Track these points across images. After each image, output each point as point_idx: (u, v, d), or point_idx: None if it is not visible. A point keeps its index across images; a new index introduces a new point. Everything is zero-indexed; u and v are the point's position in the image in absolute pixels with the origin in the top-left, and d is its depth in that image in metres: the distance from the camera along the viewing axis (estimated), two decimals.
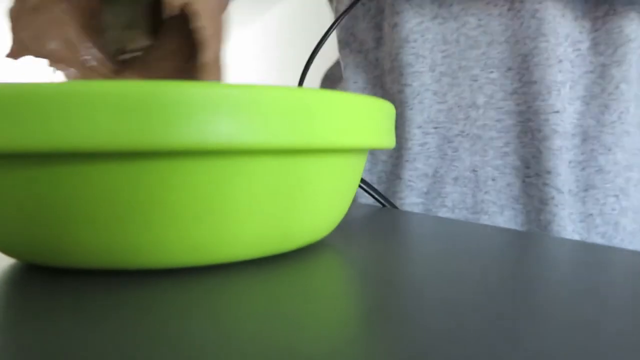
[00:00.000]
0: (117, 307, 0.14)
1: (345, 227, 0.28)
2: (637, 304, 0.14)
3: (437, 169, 0.48)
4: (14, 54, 0.27)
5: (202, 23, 0.22)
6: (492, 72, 0.46)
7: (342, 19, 0.43)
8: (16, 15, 0.26)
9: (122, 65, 0.28)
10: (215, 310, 0.14)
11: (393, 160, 0.50)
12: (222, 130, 0.16)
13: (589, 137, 0.45)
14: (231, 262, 0.20)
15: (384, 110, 0.21)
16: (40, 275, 0.18)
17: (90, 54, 0.27)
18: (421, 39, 0.48)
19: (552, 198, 0.44)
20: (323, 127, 0.18)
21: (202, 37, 0.23)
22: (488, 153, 0.46)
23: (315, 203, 0.20)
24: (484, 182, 0.46)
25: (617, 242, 0.46)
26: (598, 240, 0.45)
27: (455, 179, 0.47)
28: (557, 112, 0.44)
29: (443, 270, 0.18)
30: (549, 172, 0.45)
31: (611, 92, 0.45)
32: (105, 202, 0.17)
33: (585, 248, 0.22)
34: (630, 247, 0.45)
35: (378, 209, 0.36)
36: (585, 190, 0.45)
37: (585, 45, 0.45)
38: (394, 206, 0.38)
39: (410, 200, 0.48)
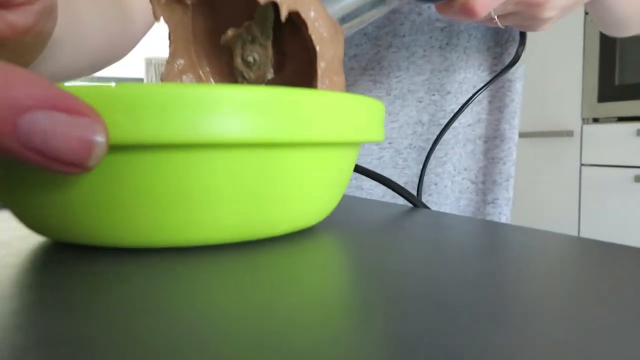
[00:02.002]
0: (122, 279, 0.15)
1: (340, 220, 0.28)
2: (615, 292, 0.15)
3: (390, 176, 0.57)
4: None
5: (313, 32, 0.26)
6: (434, 95, 0.55)
7: (493, 82, 0.50)
8: (166, 78, 0.30)
9: None
10: (206, 286, 0.14)
11: (355, 174, 0.58)
12: (217, 127, 0.18)
13: (506, 138, 0.56)
14: (218, 243, 0.22)
15: (368, 107, 0.23)
16: (63, 249, 0.21)
17: None
18: (378, 66, 0.55)
19: (467, 188, 0.58)
20: (300, 123, 0.20)
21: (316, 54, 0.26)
22: (431, 162, 0.56)
23: (295, 193, 0.22)
24: (427, 187, 0.57)
25: (530, 218, 0.66)
26: (522, 220, 0.62)
27: (405, 183, 0.57)
28: (478, 121, 0.57)
29: (434, 263, 0.18)
30: (465, 169, 0.58)
31: (517, 102, 0.57)
32: (116, 189, 0.19)
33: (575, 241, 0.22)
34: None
35: (381, 205, 0.36)
36: (507, 180, 0.58)
37: (498, 67, 0.57)
38: (422, 204, 0.38)
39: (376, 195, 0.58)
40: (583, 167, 2.06)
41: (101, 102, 0.17)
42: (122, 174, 0.19)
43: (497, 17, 0.38)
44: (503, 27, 0.50)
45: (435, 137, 0.56)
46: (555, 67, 2.16)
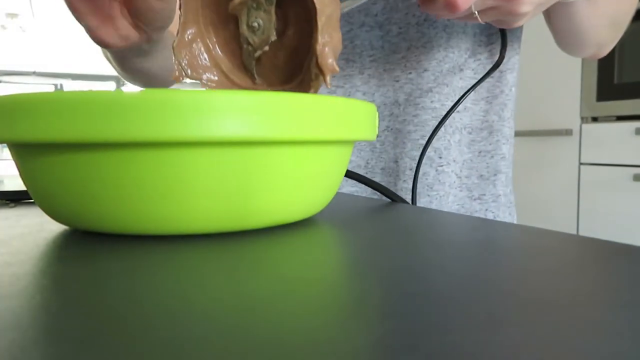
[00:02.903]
0: (120, 275, 0.15)
1: (333, 216, 0.28)
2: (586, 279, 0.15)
3: (368, 161, 0.55)
4: (176, 78, 0.34)
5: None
6: (410, 73, 0.53)
7: (490, 74, 0.49)
8: (177, 46, 0.34)
9: (253, 75, 0.36)
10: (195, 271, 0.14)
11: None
12: (211, 127, 0.21)
13: (494, 131, 0.55)
14: (210, 232, 0.24)
15: (346, 107, 0.25)
16: (62, 248, 0.20)
17: (233, 73, 0.36)
18: (350, 45, 0.54)
19: (454, 182, 0.54)
20: (277, 124, 0.22)
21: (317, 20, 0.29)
22: (406, 145, 0.53)
23: (277, 187, 0.24)
24: (402, 172, 0.54)
25: (529, 216, 0.64)
26: (520, 219, 0.61)
27: (383, 169, 0.55)
28: (464, 110, 0.54)
29: (429, 260, 0.18)
30: (455, 161, 0.54)
31: (507, 94, 0.55)
32: (120, 183, 0.22)
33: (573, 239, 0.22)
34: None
35: (376, 201, 0.36)
36: (495, 175, 0.55)
37: (484, 56, 0.54)
38: (403, 201, 0.38)
39: (347, 189, 0.56)
40: (582, 166, 2.06)
41: (107, 106, 0.20)
42: (125, 169, 0.22)
43: (477, 12, 0.39)
44: (483, 23, 0.50)
45: (411, 117, 0.53)
46: (554, 66, 2.16)
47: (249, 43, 0.34)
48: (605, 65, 1.99)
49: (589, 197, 2.03)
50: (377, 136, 0.54)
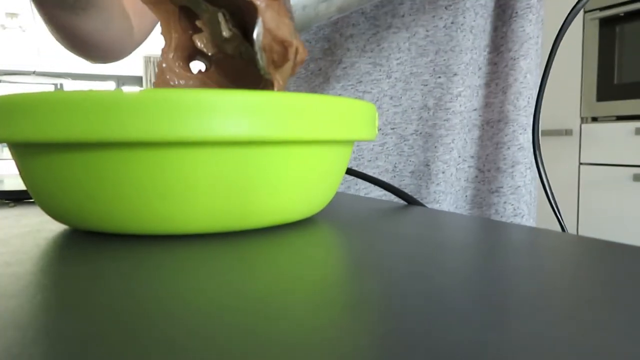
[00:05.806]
0: (120, 275, 0.15)
1: (334, 216, 0.28)
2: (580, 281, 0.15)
3: (395, 165, 0.55)
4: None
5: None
6: (439, 77, 0.53)
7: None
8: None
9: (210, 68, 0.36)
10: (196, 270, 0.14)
11: (357, 161, 0.56)
12: (212, 126, 0.21)
13: (510, 121, 0.54)
14: (209, 232, 0.24)
15: (346, 107, 0.25)
16: (62, 248, 0.20)
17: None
18: (377, 48, 0.54)
19: (476, 177, 0.55)
20: (276, 124, 0.22)
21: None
22: (438, 149, 0.54)
23: (275, 187, 0.24)
24: (435, 176, 0.54)
25: (534, 209, 0.58)
26: (524, 207, 0.55)
27: (412, 172, 0.55)
28: (485, 105, 0.54)
29: (430, 261, 0.18)
30: (472, 157, 0.54)
31: (522, 81, 0.54)
32: (125, 182, 0.22)
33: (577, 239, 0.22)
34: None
35: (377, 202, 0.36)
36: (513, 166, 0.54)
37: (505, 48, 0.54)
38: (415, 201, 0.38)
39: (374, 194, 0.56)
40: (582, 166, 2.06)
41: (107, 106, 0.20)
42: (125, 169, 0.22)
43: None
44: None
45: (442, 122, 0.53)
46: (554, 66, 2.16)
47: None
48: (605, 65, 1.99)
49: (589, 197, 2.03)
50: (406, 140, 0.54)
